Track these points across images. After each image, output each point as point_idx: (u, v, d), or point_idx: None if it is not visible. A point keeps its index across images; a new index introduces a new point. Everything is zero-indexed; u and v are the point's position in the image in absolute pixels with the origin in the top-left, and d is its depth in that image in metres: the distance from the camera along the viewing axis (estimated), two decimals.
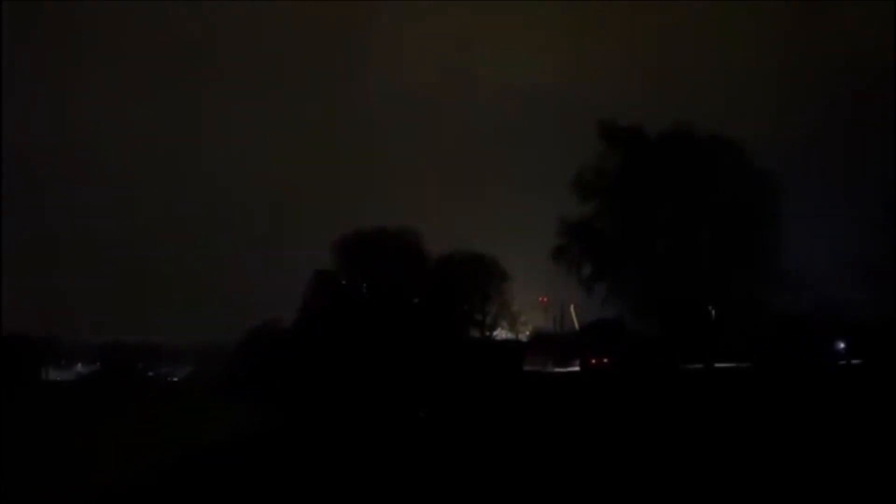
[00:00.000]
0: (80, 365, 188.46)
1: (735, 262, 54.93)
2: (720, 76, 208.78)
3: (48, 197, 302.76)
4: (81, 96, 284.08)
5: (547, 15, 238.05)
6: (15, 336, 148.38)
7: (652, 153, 56.72)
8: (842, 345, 55.78)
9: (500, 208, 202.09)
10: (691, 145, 55.66)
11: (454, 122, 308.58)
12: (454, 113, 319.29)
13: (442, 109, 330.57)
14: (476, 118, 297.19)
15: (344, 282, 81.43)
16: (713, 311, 57.00)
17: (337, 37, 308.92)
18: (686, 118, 57.41)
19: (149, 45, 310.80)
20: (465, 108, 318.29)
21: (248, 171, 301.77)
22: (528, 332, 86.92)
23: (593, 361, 67.06)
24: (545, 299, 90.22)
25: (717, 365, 54.70)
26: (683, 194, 55.12)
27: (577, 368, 68.56)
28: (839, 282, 56.92)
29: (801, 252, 56.80)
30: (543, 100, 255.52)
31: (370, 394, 60.20)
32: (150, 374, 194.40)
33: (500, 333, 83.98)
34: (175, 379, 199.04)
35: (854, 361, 53.46)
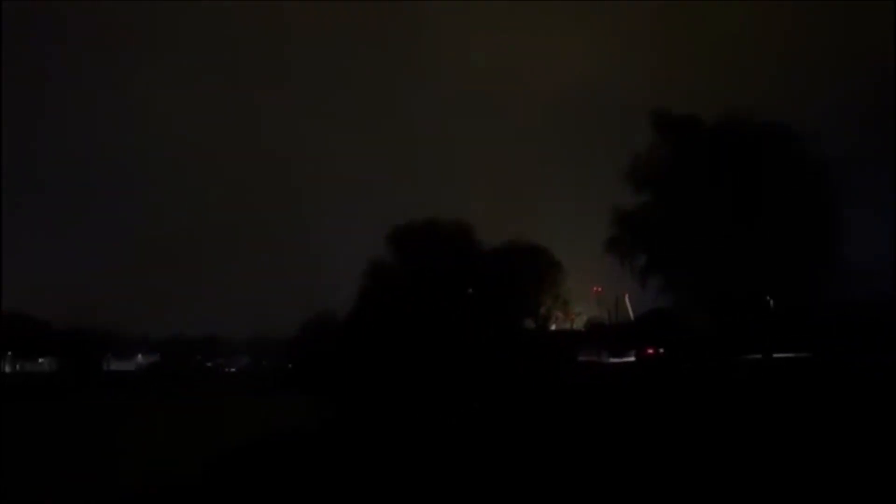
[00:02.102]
0: (140, 356, 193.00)
1: (792, 252, 53.91)
2: (778, 64, 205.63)
3: (113, 196, 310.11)
4: (155, 101, 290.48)
5: (597, 10, 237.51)
6: (79, 329, 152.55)
7: (705, 142, 55.99)
8: None
9: (553, 199, 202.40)
10: (745, 133, 54.75)
11: (508, 116, 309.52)
12: (508, 107, 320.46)
13: (496, 104, 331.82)
14: (529, 111, 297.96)
15: (398, 273, 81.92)
16: (771, 302, 56.21)
17: (394, 36, 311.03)
18: (740, 107, 56.43)
19: (204, 44, 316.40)
20: (519, 102, 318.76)
21: (304, 166, 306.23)
22: (582, 323, 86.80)
23: (649, 352, 66.67)
24: (599, 289, 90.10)
25: (776, 356, 53.86)
26: (738, 183, 54.19)
27: (632, 359, 68.21)
28: None
29: (861, 242, 55.72)
30: (598, 91, 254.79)
31: (424, 385, 60.47)
32: (208, 364, 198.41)
33: (555, 324, 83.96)
34: (232, 370, 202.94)
35: None
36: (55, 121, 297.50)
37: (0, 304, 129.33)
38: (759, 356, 54.60)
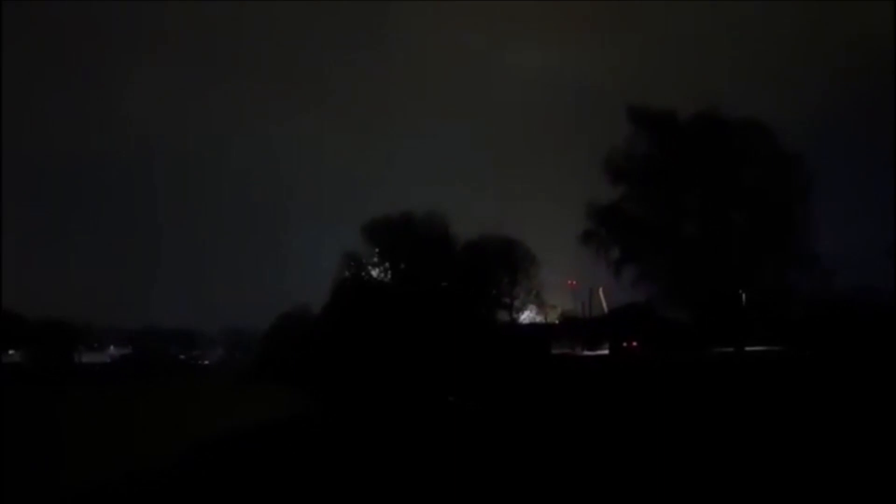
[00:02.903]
0: (112, 348, 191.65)
1: (765, 247, 54.35)
2: (752, 63, 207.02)
3: (87, 189, 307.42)
4: (126, 96, 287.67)
5: (575, 4, 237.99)
6: (51, 321, 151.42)
7: (681, 137, 56.16)
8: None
9: (529, 192, 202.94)
10: (721, 129, 55.00)
11: (483, 108, 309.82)
12: (483, 100, 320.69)
13: (473, 98, 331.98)
14: (506, 105, 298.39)
15: (372, 266, 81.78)
16: (743, 296, 56.55)
17: (369, 29, 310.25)
18: (716, 102, 56.63)
19: (179, 36, 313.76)
20: (494, 95, 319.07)
21: (279, 157, 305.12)
22: (557, 316, 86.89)
23: (623, 345, 66.82)
24: (574, 283, 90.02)
25: (748, 349, 54.22)
26: (713, 178, 54.52)
27: (606, 352, 68.33)
28: (871, 268, 56.24)
29: (833, 237, 56.21)
30: (574, 85, 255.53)
31: (398, 379, 60.40)
32: (182, 357, 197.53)
33: (529, 317, 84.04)
34: (206, 363, 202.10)
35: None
36: (24, 111, 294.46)
37: None
38: (731, 349, 54.94)
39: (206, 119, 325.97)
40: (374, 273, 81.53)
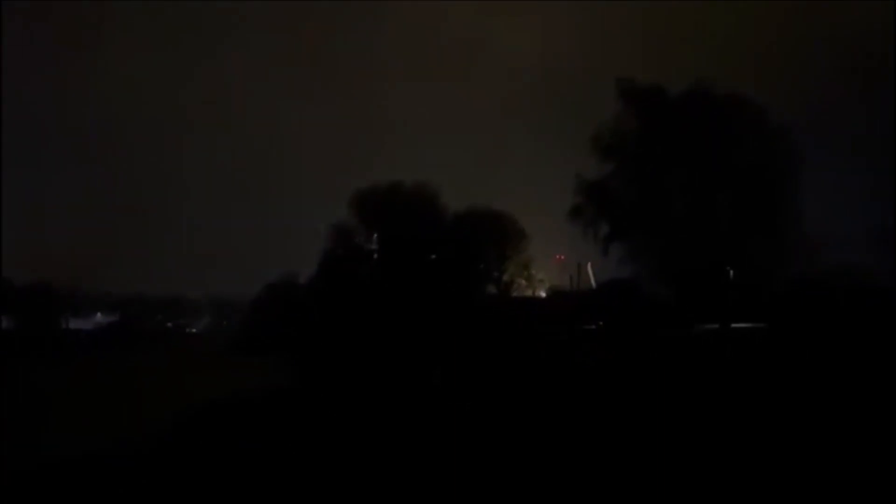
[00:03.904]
0: (99, 315, 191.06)
1: (752, 224, 54.48)
2: (741, 40, 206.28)
3: (76, 153, 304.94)
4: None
5: None
6: (37, 285, 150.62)
7: (670, 113, 56.02)
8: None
9: (518, 166, 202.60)
10: (710, 105, 54.85)
11: (475, 81, 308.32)
12: (475, 73, 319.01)
13: (463, 71, 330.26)
14: (495, 78, 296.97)
15: (360, 237, 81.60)
16: (731, 273, 56.80)
17: (362, 6, 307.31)
18: (706, 78, 56.47)
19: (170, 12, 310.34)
20: (486, 69, 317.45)
21: (267, 125, 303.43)
22: (544, 290, 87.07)
23: (608, 321, 67.01)
24: (562, 257, 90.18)
25: (734, 325, 54.59)
26: (702, 155, 54.48)
27: (592, 327, 68.52)
28: (857, 247, 56.55)
29: (819, 216, 56.41)
30: (563, 59, 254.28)
31: (383, 352, 60.47)
32: (169, 325, 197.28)
33: (517, 290, 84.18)
34: (193, 331, 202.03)
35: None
36: (17, 74, 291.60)
37: None
38: (716, 326, 55.28)
39: (195, 85, 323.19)
40: (363, 245, 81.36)
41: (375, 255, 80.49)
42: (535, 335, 63.64)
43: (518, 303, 79.94)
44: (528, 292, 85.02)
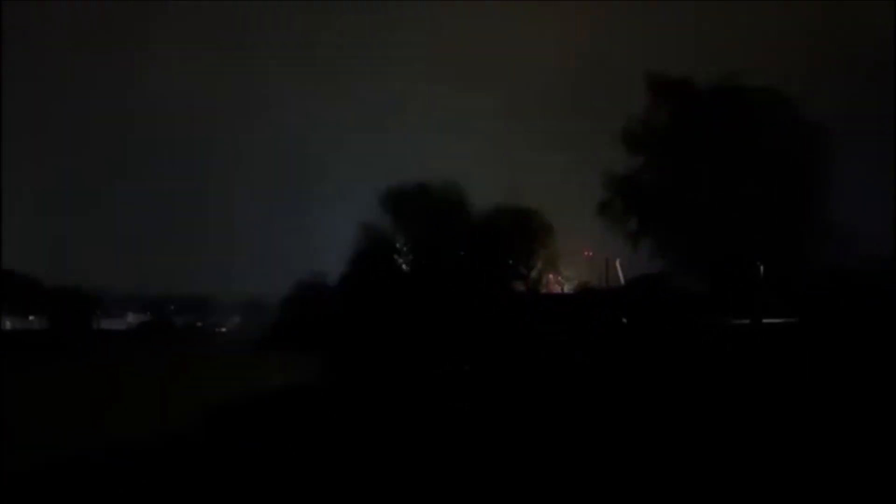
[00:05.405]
0: (130, 315, 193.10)
1: (784, 218, 53.77)
2: (773, 29, 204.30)
3: (110, 156, 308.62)
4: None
5: None
6: (70, 287, 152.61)
7: (700, 105, 55.49)
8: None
9: (546, 161, 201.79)
10: (740, 97, 54.22)
11: (500, 77, 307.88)
12: (503, 69, 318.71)
13: (491, 66, 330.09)
14: (524, 73, 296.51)
15: (389, 235, 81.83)
16: (761, 267, 56.20)
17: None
18: (735, 69, 55.88)
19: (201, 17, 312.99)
20: (514, 64, 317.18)
21: (297, 126, 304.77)
22: (572, 287, 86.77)
23: (638, 317, 66.69)
24: (590, 253, 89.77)
25: (765, 321, 54.05)
26: (732, 148, 53.82)
27: (623, 321, 68.24)
28: (887, 241, 55.67)
29: (853, 208, 55.58)
30: (593, 53, 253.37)
31: (414, 348, 60.58)
32: (199, 325, 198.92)
33: (545, 287, 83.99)
34: (223, 329, 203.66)
35: None
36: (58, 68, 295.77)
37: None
38: (747, 321, 54.80)
39: (224, 86, 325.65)
40: (392, 243, 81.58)
41: (404, 253, 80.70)
42: (563, 331, 63.53)
43: (546, 299, 79.78)
44: (557, 289, 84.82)
